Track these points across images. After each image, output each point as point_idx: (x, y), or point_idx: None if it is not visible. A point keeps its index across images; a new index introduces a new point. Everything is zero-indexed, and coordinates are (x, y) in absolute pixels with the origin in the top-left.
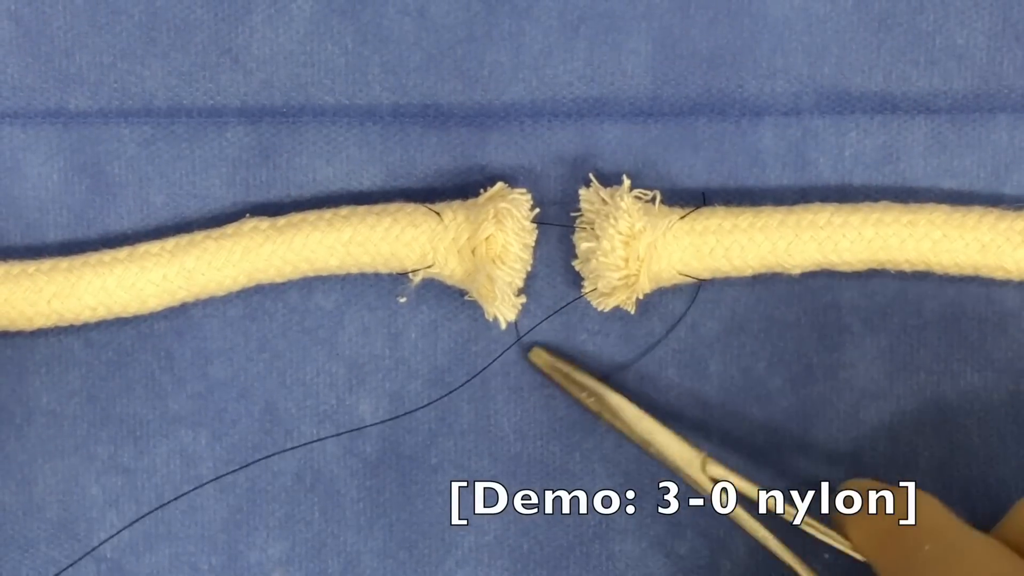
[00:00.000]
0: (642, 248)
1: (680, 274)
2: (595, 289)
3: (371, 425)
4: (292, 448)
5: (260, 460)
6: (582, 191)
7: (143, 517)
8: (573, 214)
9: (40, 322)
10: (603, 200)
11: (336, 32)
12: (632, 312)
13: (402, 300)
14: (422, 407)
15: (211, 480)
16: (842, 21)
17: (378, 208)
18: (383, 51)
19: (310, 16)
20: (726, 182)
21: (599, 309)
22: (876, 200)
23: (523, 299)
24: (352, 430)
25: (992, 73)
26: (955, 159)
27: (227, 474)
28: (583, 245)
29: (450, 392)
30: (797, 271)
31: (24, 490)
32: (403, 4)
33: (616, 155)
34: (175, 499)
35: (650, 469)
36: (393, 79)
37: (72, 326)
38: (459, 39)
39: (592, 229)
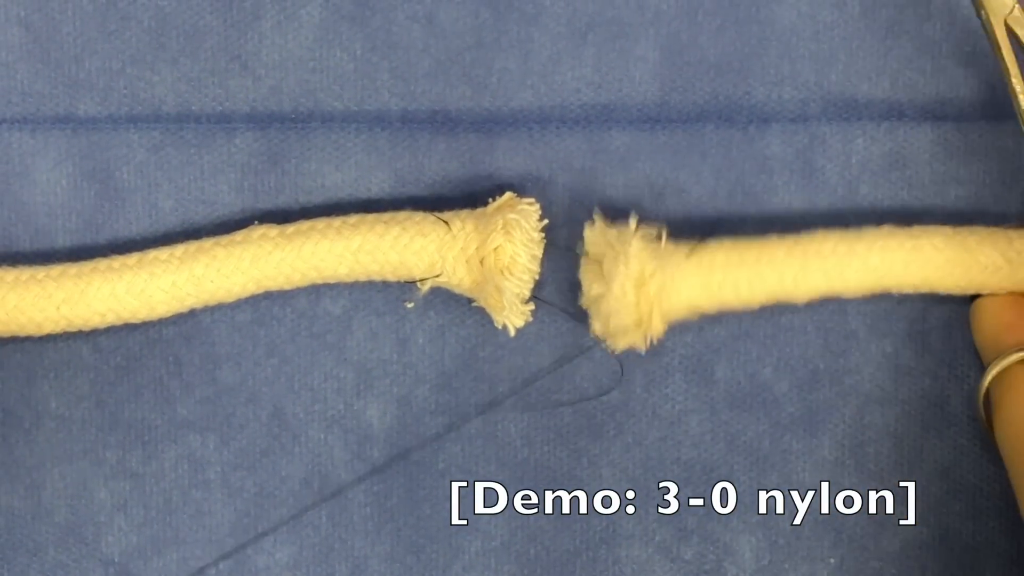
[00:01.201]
0: (653, 290)
1: (689, 311)
2: (606, 330)
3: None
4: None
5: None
6: (587, 231)
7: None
8: (577, 252)
9: (49, 328)
10: (610, 242)
11: (345, 38)
12: (643, 351)
13: (410, 306)
14: (437, 437)
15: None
16: (849, 28)
17: (387, 216)
18: (392, 57)
19: (319, 22)
20: (733, 188)
21: (609, 351)
22: (882, 207)
23: (531, 306)
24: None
25: (999, 80)
26: (962, 166)
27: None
28: (593, 289)
29: (464, 422)
30: (804, 300)
31: (33, 494)
32: (412, 11)
33: (624, 161)
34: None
35: (656, 474)
36: (402, 85)
37: (81, 331)
38: (468, 46)
39: (600, 267)
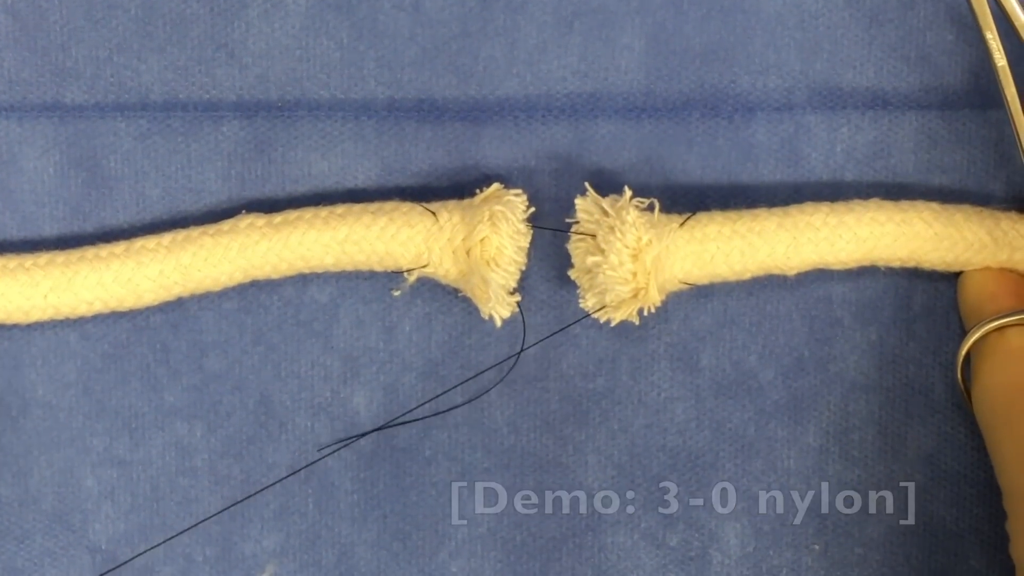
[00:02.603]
0: (649, 261)
1: (681, 282)
2: (603, 306)
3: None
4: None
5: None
6: (578, 200)
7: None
8: (568, 220)
9: (36, 316)
10: (603, 211)
11: (331, 27)
12: (636, 323)
13: (396, 294)
14: (414, 409)
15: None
16: (834, 17)
17: (374, 207)
18: (378, 46)
19: (305, 11)
20: (719, 177)
21: (603, 322)
22: (867, 196)
23: (517, 297)
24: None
25: (983, 69)
26: (946, 155)
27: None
28: (588, 259)
29: (446, 391)
30: (794, 272)
31: (20, 482)
32: None
33: (610, 150)
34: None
35: (642, 461)
36: (388, 74)
37: (68, 319)
38: (454, 34)
39: (593, 240)
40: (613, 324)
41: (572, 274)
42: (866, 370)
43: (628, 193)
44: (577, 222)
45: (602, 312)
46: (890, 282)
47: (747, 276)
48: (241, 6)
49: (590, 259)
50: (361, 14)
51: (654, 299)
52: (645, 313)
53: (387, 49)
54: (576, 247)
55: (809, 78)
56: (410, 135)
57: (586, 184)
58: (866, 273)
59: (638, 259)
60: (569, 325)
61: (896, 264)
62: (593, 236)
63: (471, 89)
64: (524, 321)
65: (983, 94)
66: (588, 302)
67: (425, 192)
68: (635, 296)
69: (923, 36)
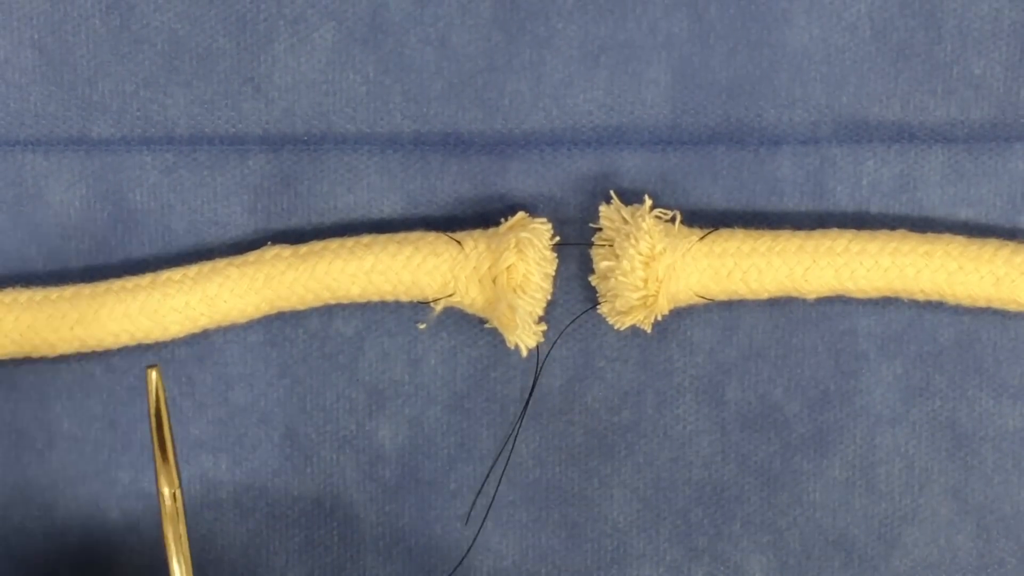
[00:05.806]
0: (661, 269)
1: (697, 296)
2: (613, 308)
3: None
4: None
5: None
6: (602, 208)
7: None
8: (592, 225)
9: (63, 348)
10: (623, 219)
11: (358, 61)
12: (648, 331)
13: (422, 327)
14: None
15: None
16: (860, 51)
17: (399, 236)
18: (404, 80)
19: (332, 45)
20: (744, 210)
21: (615, 327)
22: (893, 228)
23: (543, 327)
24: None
25: (1009, 103)
26: (972, 188)
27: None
28: (602, 263)
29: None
30: (812, 296)
31: (46, 515)
32: (424, 34)
33: (635, 183)
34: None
35: (667, 494)
36: (414, 108)
37: (94, 352)
38: (480, 68)
39: (611, 247)
40: (620, 328)
41: (592, 280)
42: (892, 403)
43: (648, 202)
44: (600, 229)
45: (610, 311)
46: (915, 315)
47: (764, 295)
48: (267, 40)
49: (604, 263)
50: (387, 48)
51: (662, 308)
52: (658, 318)
53: (413, 83)
54: (597, 253)
55: (835, 111)
56: (436, 169)
57: (611, 192)
58: (891, 306)
59: (650, 267)
60: (567, 326)
61: (919, 297)
62: (612, 244)
63: (497, 123)
64: (539, 352)
65: (1008, 128)
66: (604, 308)
67: (451, 225)
68: (643, 303)
69: (949, 70)
